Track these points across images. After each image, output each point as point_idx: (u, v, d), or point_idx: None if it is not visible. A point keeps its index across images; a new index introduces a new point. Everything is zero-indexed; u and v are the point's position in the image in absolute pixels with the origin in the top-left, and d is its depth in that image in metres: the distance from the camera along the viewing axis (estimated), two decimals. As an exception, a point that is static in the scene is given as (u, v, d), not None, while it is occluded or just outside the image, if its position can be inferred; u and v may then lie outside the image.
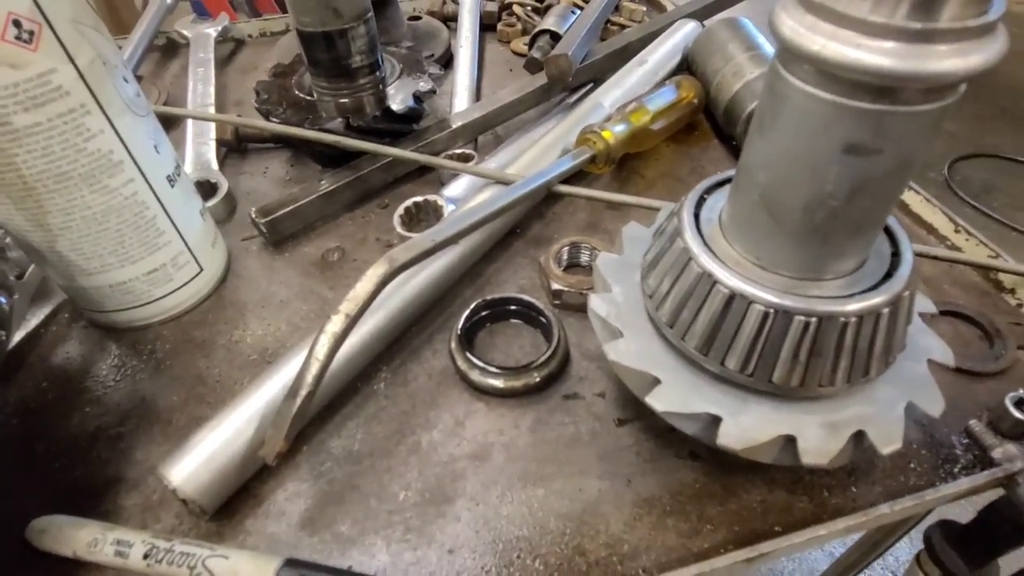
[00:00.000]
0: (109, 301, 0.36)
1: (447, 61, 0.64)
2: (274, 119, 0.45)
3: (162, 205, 0.34)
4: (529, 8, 0.70)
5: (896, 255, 0.25)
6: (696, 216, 0.27)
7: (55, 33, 0.27)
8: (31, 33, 0.26)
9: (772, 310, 0.23)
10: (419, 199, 0.43)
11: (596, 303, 0.30)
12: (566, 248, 0.39)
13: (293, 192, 0.43)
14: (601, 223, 0.44)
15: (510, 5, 0.71)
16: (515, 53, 0.66)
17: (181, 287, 0.37)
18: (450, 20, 0.71)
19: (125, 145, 0.31)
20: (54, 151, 0.29)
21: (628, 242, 0.33)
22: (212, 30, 0.65)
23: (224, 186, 0.46)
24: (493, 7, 0.69)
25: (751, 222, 0.24)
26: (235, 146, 0.52)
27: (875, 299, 0.23)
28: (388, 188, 0.48)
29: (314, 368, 0.27)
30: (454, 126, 0.49)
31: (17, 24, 0.25)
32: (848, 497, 0.29)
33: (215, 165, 0.49)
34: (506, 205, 0.36)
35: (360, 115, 0.46)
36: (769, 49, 0.49)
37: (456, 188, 0.45)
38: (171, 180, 0.35)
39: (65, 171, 0.30)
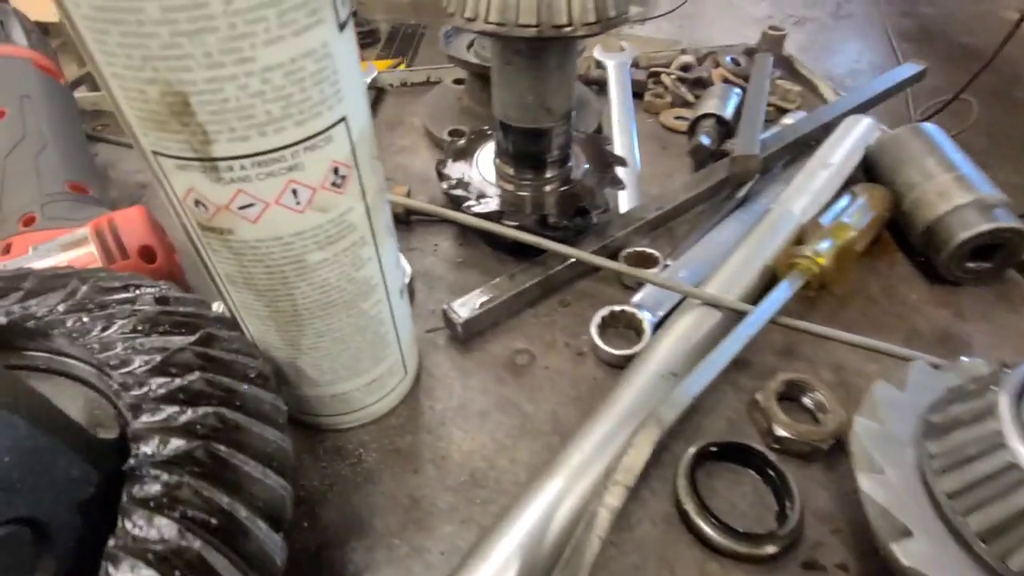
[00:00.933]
0: (323, 407, 0.35)
1: (596, 131, 0.63)
2: (467, 210, 0.44)
3: (394, 319, 0.33)
4: (674, 77, 0.69)
5: None
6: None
7: (359, 173, 0.26)
8: (343, 178, 0.25)
9: None
10: (616, 309, 0.42)
11: (870, 487, 0.28)
12: (783, 384, 0.37)
13: (485, 289, 0.42)
14: (799, 348, 0.42)
15: (657, 74, 0.69)
16: (664, 127, 0.65)
17: (389, 393, 0.37)
18: (593, 83, 0.70)
19: (382, 268, 0.30)
20: (330, 282, 0.28)
21: (884, 408, 0.31)
22: (362, 81, 0.65)
23: (407, 270, 0.45)
24: (641, 75, 0.68)
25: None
26: (403, 218, 0.51)
27: None
28: (567, 283, 0.46)
29: (595, 546, 0.26)
30: (635, 224, 0.47)
31: (336, 171, 0.25)
32: None
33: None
34: (742, 347, 0.34)
35: (549, 209, 0.44)
36: (969, 169, 0.47)
37: (645, 294, 0.44)
38: (402, 292, 0.34)
39: (333, 299, 0.29)
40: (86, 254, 0.39)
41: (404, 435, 0.37)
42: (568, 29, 0.34)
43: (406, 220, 0.52)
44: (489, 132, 0.52)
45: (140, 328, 0.29)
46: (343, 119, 0.24)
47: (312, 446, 0.36)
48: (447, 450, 0.36)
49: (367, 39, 0.84)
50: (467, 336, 0.42)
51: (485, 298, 0.42)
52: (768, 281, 0.44)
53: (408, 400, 0.39)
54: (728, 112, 0.58)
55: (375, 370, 0.34)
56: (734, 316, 0.40)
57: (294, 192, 0.24)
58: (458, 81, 0.67)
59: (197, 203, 0.24)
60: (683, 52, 0.72)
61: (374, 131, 0.28)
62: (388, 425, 0.37)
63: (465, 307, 0.41)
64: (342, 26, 0.22)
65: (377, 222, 0.29)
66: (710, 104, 0.59)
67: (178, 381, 0.26)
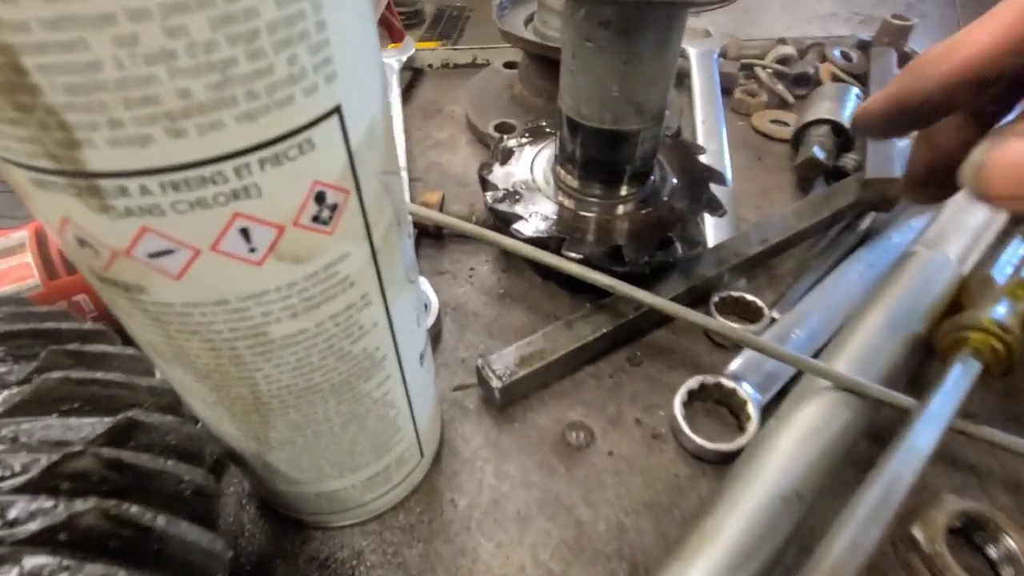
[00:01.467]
0: (304, 505, 0.25)
1: (674, 135, 0.51)
2: (518, 231, 0.33)
3: (408, 396, 0.23)
4: (771, 72, 0.57)
5: None
6: None
7: (360, 199, 0.16)
8: (333, 208, 0.15)
9: None
10: (708, 380, 0.31)
11: None
12: (954, 516, 0.26)
13: (533, 340, 0.32)
14: (957, 452, 0.31)
15: (750, 67, 0.57)
16: (758, 132, 0.53)
17: (398, 485, 0.27)
18: (669, 75, 0.58)
19: (393, 335, 0.20)
20: (310, 362, 0.18)
21: None
22: (395, 61, 0.55)
23: (434, 306, 0.35)
24: (730, 67, 0.56)
25: None
26: (433, 232, 0.41)
27: None
28: (640, 333, 0.36)
29: None
30: (732, 262, 0.36)
31: (320, 198, 0.15)
32: None
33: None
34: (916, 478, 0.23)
35: (622, 238, 0.34)
36: None
37: (746, 360, 0.33)
38: (422, 357, 0.24)
39: (315, 384, 0.19)
40: (20, 265, 0.30)
41: (413, 543, 0.27)
42: (690, -10, 0.23)
43: (436, 234, 0.42)
44: (547, 128, 0.41)
45: (27, 407, 0.19)
46: (336, 110, 0.14)
47: (288, 548, 0.27)
48: (471, 571, 0.26)
49: (411, 20, 0.76)
50: (506, 402, 0.32)
51: (531, 352, 0.32)
52: (917, 354, 0.32)
53: (423, 487, 0.29)
54: (846, 118, 0.46)
55: (378, 463, 0.24)
56: (873, 404, 0.29)
57: (244, 233, 0.14)
58: (509, 65, 0.57)
59: (81, 243, 0.14)
60: (781, 42, 0.60)
61: (392, 127, 0.18)
62: (394, 526, 0.28)
63: (505, 364, 0.31)
64: (337, -60, 0.12)
65: (389, 270, 0.19)
66: (822, 107, 0.48)
67: (60, 511, 0.16)
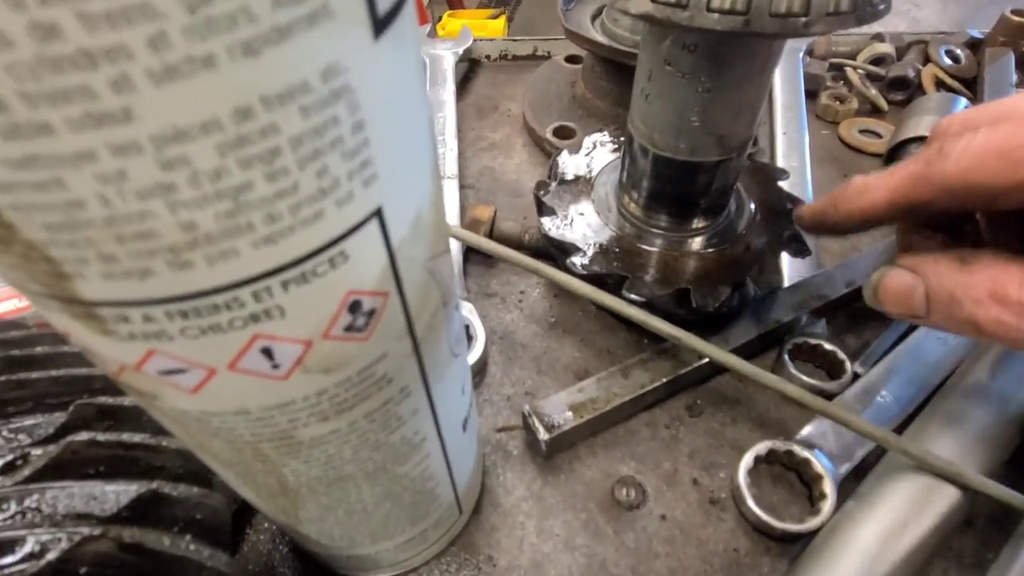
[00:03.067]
0: (337, 564, 0.24)
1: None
2: (574, 265, 0.31)
3: (448, 467, 0.22)
4: (863, 74, 0.51)
5: None
6: None
7: (402, 297, 0.14)
8: (370, 314, 0.13)
9: None
10: (778, 447, 0.28)
11: None
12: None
13: (585, 386, 0.30)
14: (1069, 548, 0.27)
15: (840, 67, 0.52)
16: (845, 144, 0.48)
17: (433, 543, 0.25)
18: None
19: (435, 416, 0.18)
20: (342, 457, 0.16)
21: None
22: (451, 53, 0.52)
23: (480, 336, 0.33)
24: (818, 67, 0.51)
25: None
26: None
27: None
28: (700, 379, 0.33)
29: None
30: (812, 306, 0.33)
31: (355, 307, 0.13)
32: None
33: (460, 286, 0.36)
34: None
35: (690, 279, 0.31)
36: None
37: (819, 425, 0.29)
38: (465, 422, 0.22)
39: (348, 474, 0.17)
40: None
41: (448, 603, 0.26)
42: (800, 21, 0.19)
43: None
44: (610, 142, 0.38)
45: (51, 471, 0.18)
46: (376, 213, 0.12)
47: (319, 601, 0.26)
48: (507, 644, 0.25)
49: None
50: (552, 452, 0.30)
51: (582, 400, 0.29)
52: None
53: (460, 541, 0.27)
54: (953, 136, 0.41)
55: (414, 529, 0.23)
56: (975, 495, 0.25)
57: (265, 352, 0.12)
58: (572, 59, 0.53)
59: (88, 351, 0.12)
60: (877, 38, 0.53)
61: (443, 204, 0.15)
62: (428, 582, 0.26)
63: (553, 412, 0.29)
64: (382, 23, 0.10)
65: (433, 355, 0.16)
66: (924, 122, 0.42)
67: (75, 607, 0.15)
